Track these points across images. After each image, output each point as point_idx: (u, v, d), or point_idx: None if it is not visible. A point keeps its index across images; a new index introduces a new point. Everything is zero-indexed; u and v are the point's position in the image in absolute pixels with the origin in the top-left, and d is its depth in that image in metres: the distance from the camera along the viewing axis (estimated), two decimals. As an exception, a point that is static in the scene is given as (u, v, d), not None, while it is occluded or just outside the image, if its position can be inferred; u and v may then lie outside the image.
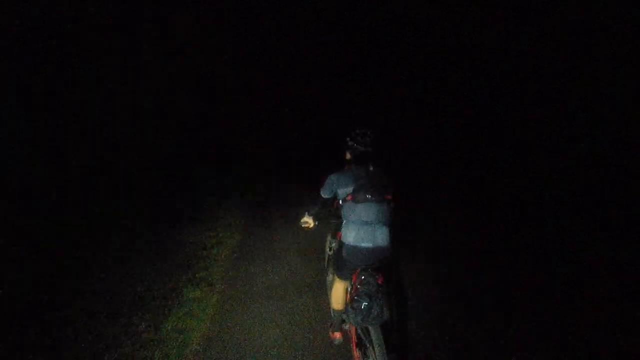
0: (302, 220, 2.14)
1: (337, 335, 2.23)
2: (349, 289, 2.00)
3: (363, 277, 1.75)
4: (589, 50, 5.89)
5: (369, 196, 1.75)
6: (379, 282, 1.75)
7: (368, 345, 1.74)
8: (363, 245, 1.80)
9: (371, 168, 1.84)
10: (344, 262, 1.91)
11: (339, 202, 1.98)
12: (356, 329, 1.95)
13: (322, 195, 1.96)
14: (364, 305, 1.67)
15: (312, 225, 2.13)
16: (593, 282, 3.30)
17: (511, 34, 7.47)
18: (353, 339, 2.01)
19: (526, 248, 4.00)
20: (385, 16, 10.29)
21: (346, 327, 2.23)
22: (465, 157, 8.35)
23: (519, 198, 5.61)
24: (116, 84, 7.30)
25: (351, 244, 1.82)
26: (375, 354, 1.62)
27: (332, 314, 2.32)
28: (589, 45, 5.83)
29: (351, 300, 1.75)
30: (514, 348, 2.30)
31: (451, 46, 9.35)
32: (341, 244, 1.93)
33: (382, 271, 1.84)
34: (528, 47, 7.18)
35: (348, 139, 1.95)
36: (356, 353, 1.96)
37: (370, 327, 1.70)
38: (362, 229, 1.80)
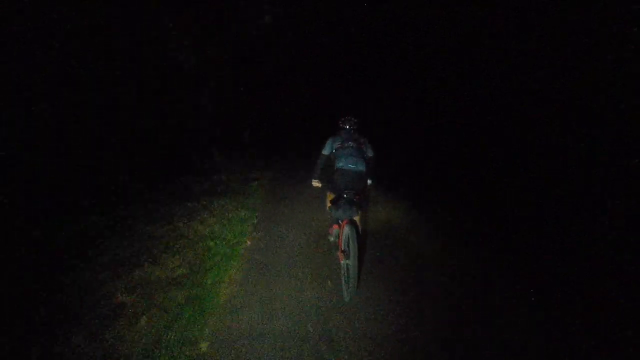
0: (313, 184, 3.22)
1: (335, 227, 3.31)
2: (336, 196, 3.09)
3: (345, 194, 2.94)
4: (589, 50, 5.89)
5: (351, 143, 3.04)
6: (355, 196, 2.93)
7: (347, 258, 2.74)
8: (349, 167, 2.96)
9: (351, 130, 3.17)
10: (336, 184, 3.04)
11: (331, 156, 3.13)
12: (340, 229, 3.05)
13: (323, 153, 3.15)
14: (342, 206, 2.95)
15: (320, 185, 3.22)
16: (593, 282, 3.30)
17: (511, 34, 7.46)
18: (340, 251, 2.96)
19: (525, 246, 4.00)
20: (385, 15, 10.27)
21: (331, 239, 3.49)
22: (466, 157, 8.34)
23: (518, 198, 5.61)
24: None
25: (341, 167, 2.98)
26: (349, 260, 2.63)
27: (329, 212, 3.39)
28: (589, 45, 5.83)
29: (335, 201, 3.04)
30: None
31: (451, 46, 9.34)
32: (335, 171, 3.04)
33: (357, 192, 2.97)
34: (528, 47, 7.17)
35: (339, 121, 3.26)
36: (340, 258, 2.94)
37: (347, 226, 2.79)
38: (348, 159, 2.98)
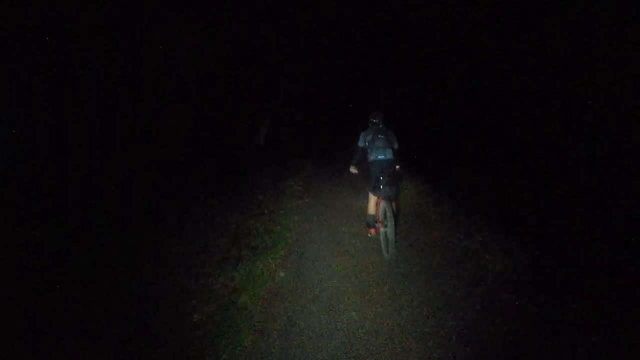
0: (351, 170, 3.90)
1: (372, 231, 3.91)
2: (375, 179, 3.62)
3: (381, 177, 3.53)
4: (589, 50, 5.89)
5: (380, 136, 3.63)
6: (389, 177, 3.51)
7: (386, 227, 3.39)
8: (380, 157, 3.56)
9: (380, 125, 3.78)
10: (372, 172, 3.64)
11: (365, 148, 3.73)
12: (377, 205, 3.68)
13: (358, 145, 3.80)
14: (381, 186, 3.49)
15: (357, 171, 3.91)
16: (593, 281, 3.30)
17: (511, 33, 7.47)
18: (378, 222, 3.66)
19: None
20: (385, 15, 10.25)
21: (372, 227, 3.93)
22: (466, 157, 8.34)
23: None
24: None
25: (373, 158, 3.59)
26: (388, 229, 3.32)
27: (368, 218, 3.97)
28: (589, 45, 5.83)
29: (375, 184, 3.60)
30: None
31: (450, 45, 9.34)
32: (369, 163, 3.66)
33: (391, 174, 3.59)
34: (528, 46, 7.17)
35: (370, 116, 3.86)
36: (381, 228, 3.57)
37: (384, 202, 3.41)
38: (377, 151, 3.58)
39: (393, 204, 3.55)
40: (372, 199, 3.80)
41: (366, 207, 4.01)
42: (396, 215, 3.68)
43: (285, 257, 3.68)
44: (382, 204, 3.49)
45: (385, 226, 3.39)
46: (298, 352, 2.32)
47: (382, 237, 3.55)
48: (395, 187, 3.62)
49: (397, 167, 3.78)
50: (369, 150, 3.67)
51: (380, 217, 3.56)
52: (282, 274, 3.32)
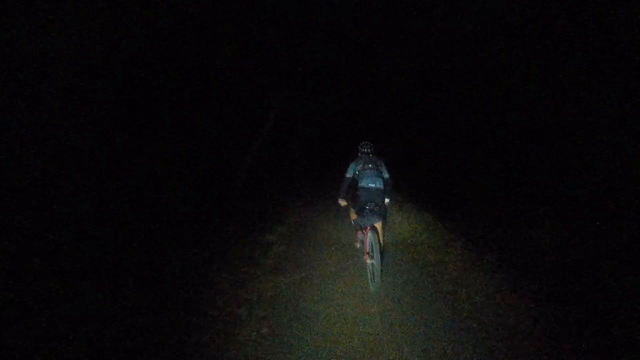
0: (339, 202, 3.82)
1: (359, 232, 3.98)
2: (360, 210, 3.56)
3: (367, 207, 3.44)
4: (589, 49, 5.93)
5: (370, 165, 3.59)
6: (376, 207, 3.43)
7: (372, 258, 3.31)
8: (369, 185, 3.49)
9: (370, 154, 3.71)
10: (359, 199, 3.54)
11: (356, 186, 3.62)
12: (365, 234, 3.56)
13: (347, 175, 3.68)
14: (366, 213, 3.45)
15: (345, 203, 3.81)
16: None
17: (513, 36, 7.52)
18: (365, 253, 3.49)
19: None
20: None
21: (357, 245, 4.21)
22: (469, 165, 8.35)
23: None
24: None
25: (363, 185, 3.52)
26: (374, 260, 3.26)
27: (354, 224, 4.10)
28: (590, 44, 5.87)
29: (360, 212, 3.53)
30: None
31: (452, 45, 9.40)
32: (358, 189, 3.57)
33: (378, 204, 3.47)
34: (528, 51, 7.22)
35: (359, 146, 3.78)
36: (367, 259, 3.45)
37: (370, 233, 3.37)
38: (368, 179, 3.52)
39: (380, 237, 3.53)
40: (359, 231, 3.94)
41: (350, 219, 4.22)
42: (382, 247, 3.54)
43: None
44: (369, 235, 3.40)
45: (372, 257, 3.31)
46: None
47: (368, 269, 3.42)
48: (382, 217, 3.59)
49: (387, 200, 3.68)
50: (358, 179, 3.60)
51: (367, 248, 3.44)
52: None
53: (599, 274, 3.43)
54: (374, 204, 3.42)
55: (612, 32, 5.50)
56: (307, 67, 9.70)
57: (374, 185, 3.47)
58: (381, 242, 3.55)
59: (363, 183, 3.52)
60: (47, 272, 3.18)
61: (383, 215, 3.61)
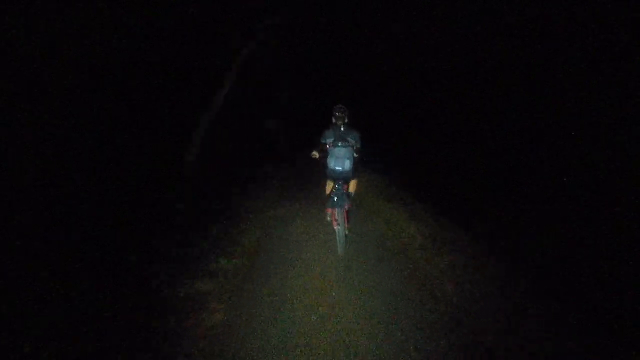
0: (312, 154, 3.82)
1: (329, 210, 4.06)
2: (331, 189, 3.82)
3: (336, 187, 3.66)
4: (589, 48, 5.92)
5: (339, 143, 3.61)
6: (344, 189, 3.68)
7: (339, 224, 3.64)
8: (337, 168, 3.63)
9: (342, 128, 3.67)
10: (329, 175, 3.77)
11: (326, 145, 3.72)
12: (333, 211, 3.76)
13: (322, 141, 3.75)
14: (335, 199, 3.59)
15: (317, 155, 3.79)
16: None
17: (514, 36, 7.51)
18: (334, 219, 3.79)
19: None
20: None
21: (327, 218, 4.23)
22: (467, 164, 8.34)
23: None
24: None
25: (331, 167, 3.67)
26: (340, 226, 3.62)
27: (326, 197, 4.04)
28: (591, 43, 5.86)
29: (329, 195, 3.76)
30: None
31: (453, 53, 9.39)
32: (327, 167, 3.73)
33: (347, 184, 3.77)
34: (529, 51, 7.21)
35: (333, 111, 3.70)
36: (334, 222, 3.80)
37: (337, 209, 3.61)
38: (336, 160, 3.62)
39: (346, 209, 3.74)
40: (329, 183, 4.05)
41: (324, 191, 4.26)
42: (349, 216, 3.91)
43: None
44: (337, 210, 3.63)
45: (339, 224, 3.66)
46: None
47: (337, 234, 3.74)
48: (348, 197, 3.75)
49: (355, 155, 3.73)
50: (329, 154, 3.66)
51: (337, 218, 3.69)
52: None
53: (599, 274, 3.43)
54: (341, 185, 3.65)
55: (612, 32, 5.49)
56: (307, 68, 9.69)
57: (341, 168, 3.60)
58: (346, 213, 3.78)
59: (332, 165, 3.62)
60: (47, 272, 3.18)
61: (348, 197, 3.76)
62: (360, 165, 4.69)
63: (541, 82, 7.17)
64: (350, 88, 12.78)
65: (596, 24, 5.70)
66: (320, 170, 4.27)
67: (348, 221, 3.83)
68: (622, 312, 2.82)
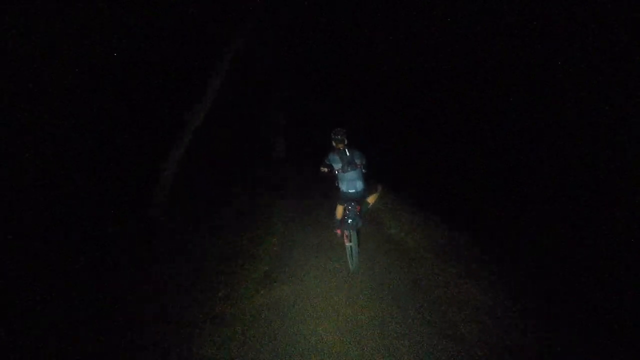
0: (321, 170, 3.81)
1: (338, 231, 4.14)
2: (343, 211, 3.79)
3: (349, 207, 3.65)
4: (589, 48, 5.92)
5: (348, 168, 3.61)
6: (357, 210, 3.68)
7: (350, 241, 3.70)
8: (350, 191, 3.65)
9: (347, 152, 3.64)
10: (340, 198, 3.76)
11: (331, 165, 3.69)
12: (344, 232, 3.83)
13: (326, 162, 3.73)
14: (349, 221, 3.62)
15: (326, 170, 3.78)
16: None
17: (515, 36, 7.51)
18: (345, 236, 3.85)
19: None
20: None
21: (340, 232, 4.09)
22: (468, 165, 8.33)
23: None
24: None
25: (344, 191, 3.67)
26: (352, 243, 3.66)
27: (336, 220, 4.11)
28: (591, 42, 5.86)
29: (342, 218, 3.77)
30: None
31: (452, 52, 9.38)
32: (339, 190, 3.72)
33: (359, 205, 3.75)
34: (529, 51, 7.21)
35: (332, 135, 3.68)
36: (345, 240, 3.84)
37: (350, 231, 3.65)
38: (348, 184, 3.64)
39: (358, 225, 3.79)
40: (339, 207, 3.93)
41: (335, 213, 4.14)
42: (359, 232, 3.87)
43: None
44: (350, 231, 3.69)
45: (350, 241, 3.70)
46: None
47: (347, 250, 3.81)
48: (361, 218, 3.79)
49: (380, 187, 4.10)
50: (339, 179, 3.69)
51: (349, 236, 3.73)
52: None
53: (599, 274, 3.43)
54: (355, 207, 3.65)
55: (612, 32, 5.49)
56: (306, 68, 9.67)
57: (354, 190, 3.62)
58: (358, 231, 3.82)
59: (343, 187, 3.64)
60: (47, 272, 3.18)
61: (361, 218, 3.77)
62: (374, 180, 4.66)
63: (541, 82, 7.17)
64: (350, 88, 12.78)
65: (596, 24, 5.69)
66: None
67: (359, 237, 3.83)
68: (621, 313, 2.82)
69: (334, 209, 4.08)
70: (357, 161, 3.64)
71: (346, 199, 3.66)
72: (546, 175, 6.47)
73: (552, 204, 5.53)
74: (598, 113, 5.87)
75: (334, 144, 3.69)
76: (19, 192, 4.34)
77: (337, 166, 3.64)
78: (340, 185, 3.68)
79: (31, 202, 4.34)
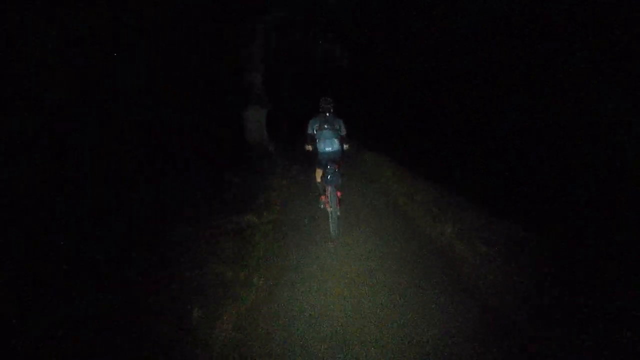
0: (305, 148, 4.23)
1: (322, 198, 4.40)
2: (322, 172, 4.12)
3: (328, 167, 3.91)
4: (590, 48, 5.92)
5: (326, 126, 4.00)
6: (335, 168, 3.92)
7: (330, 207, 3.99)
8: (327, 149, 4.01)
9: (328, 114, 4.05)
10: (319, 159, 4.11)
11: (313, 135, 4.12)
12: (325, 188, 4.10)
13: (308, 132, 4.14)
14: (329, 176, 3.86)
15: (310, 148, 4.20)
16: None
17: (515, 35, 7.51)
18: (326, 202, 4.24)
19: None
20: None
21: (321, 205, 4.52)
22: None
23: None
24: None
25: (321, 149, 4.03)
26: (332, 208, 3.95)
27: (317, 185, 4.52)
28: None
29: (322, 177, 4.09)
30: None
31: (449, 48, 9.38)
32: (317, 153, 4.08)
33: (337, 163, 4.06)
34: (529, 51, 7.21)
35: (320, 102, 4.07)
36: (326, 205, 4.18)
37: (330, 188, 3.93)
38: (325, 142, 4.00)
39: (338, 192, 4.13)
40: (318, 170, 4.29)
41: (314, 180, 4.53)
42: (340, 200, 4.29)
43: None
44: (330, 189, 3.98)
45: (331, 207, 3.98)
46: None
47: (329, 216, 4.03)
48: (340, 176, 4.04)
49: (346, 146, 4.19)
50: (317, 140, 4.06)
51: (329, 200, 4.02)
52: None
53: (599, 274, 3.42)
54: (333, 164, 3.93)
55: (612, 32, 5.49)
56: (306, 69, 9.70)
57: (330, 148, 4.00)
58: (339, 196, 4.18)
59: (321, 147, 4.02)
60: (47, 272, 3.18)
61: (340, 176, 4.04)
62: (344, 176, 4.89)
63: (541, 82, 7.17)
64: (349, 88, 12.78)
65: (596, 24, 5.70)
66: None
67: (340, 204, 4.21)
68: (621, 313, 2.81)
69: (313, 173, 4.47)
70: (335, 125, 4.02)
71: (323, 158, 4.02)
72: (545, 175, 6.47)
73: (551, 204, 5.53)
74: (598, 113, 5.88)
75: (320, 109, 4.07)
76: (19, 190, 4.34)
77: (315, 126, 4.05)
78: (317, 146, 4.04)
79: (31, 202, 4.34)
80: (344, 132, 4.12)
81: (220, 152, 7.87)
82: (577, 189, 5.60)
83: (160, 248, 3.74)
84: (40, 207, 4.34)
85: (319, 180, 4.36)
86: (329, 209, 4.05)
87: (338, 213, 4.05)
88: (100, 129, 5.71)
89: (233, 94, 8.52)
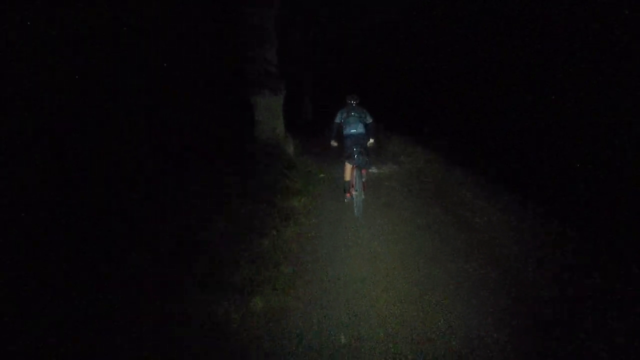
0: (331, 143, 4.66)
1: (348, 195, 4.54)
2: (350, 172, 4.40)
3: (355, 149, 4.22)
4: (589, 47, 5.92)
5: (353, 113, 4.35)
6: (361, 150, 4.20)
7: (356, 190, 4.24)
8: (352, 131, 4.29)
9: (354, 103, 4.46)
10: (346, 145, 4.34)
11: (340, 124, 4.48)
12: (352, 172, 4.34)
13: (335, 121, 4.48)
14: (356, 156, 4.19)
15: (336, 144, 4.64)
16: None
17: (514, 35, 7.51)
18: (351, 183, 4.39)
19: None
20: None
21: (346, 200, 4.66)
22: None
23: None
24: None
25: (347, 132, 4.32)
26: (357, 192, 4.18)
27: (345, 185, 4.63)
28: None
29: (350, 157, 4.31)
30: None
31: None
32: (344, 136, 4.37)
33: (362, 147, 4.27)
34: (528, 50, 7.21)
35: (346, 97, 4.49)
36: (352, 190, 4.35)
37: (356, 171, 4.21)
38: (351, 125, 4.30)
39: (363, 172, 4.39)
40: (348, 167, 4.44)
41: (342, 176, 4.68)
42: (365, 182, 4.50)
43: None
44: (355, 171, 4.23)
45: (357, 190, 4.18)
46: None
47: (354, 200, 4.28)
48: (367, 157, 4.31)
49: (372, 140, 4.49)
50: (343, 126, 4.37)
51: (354, 183, 4.25)
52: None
53: (600, 275, 3.42)
54: (359, 147, 4.18)
55: (612, 32, 5.49)
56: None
57: (355, 130, 4.27)
58: (364, 179, 4.42)
59: (347, 130, 4.31)
60: (47, 272, 3.18)
61: (368, 155, 4.32)
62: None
63: (541, 82, 7.17)
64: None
65: (596, 24, 5.70)
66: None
67: (365, 190, 4.46)
68: (621, 314, 2.82)
69: (343, 171, 4.61)
70: (362, 114, 4.34)
71: (350, 140, 4.25)
72: (545, 175, 6.47)
73: (551, 204, 5.53)
74: (598, 113, 5.87)
75: (347, 101, 4.45)
76: (19, 190, 4.33)
77: (343, 115, 4.38)
78: (344, 130, 4.35)
79: (31, 202, 4.34)
80: (369, 120, 4.41)
81: (221, 153, 7.83)
82: (577, 189, 5.60)
83: (160, 248, 3.74)
84: (40, 207, 4.33)
85: (347, 178, 4.53)
86: (354, 193, 4.29)
87: (363, 196, 4.28)
88: (100, 129, 5.71)
89: (240, 80, 7.48)
